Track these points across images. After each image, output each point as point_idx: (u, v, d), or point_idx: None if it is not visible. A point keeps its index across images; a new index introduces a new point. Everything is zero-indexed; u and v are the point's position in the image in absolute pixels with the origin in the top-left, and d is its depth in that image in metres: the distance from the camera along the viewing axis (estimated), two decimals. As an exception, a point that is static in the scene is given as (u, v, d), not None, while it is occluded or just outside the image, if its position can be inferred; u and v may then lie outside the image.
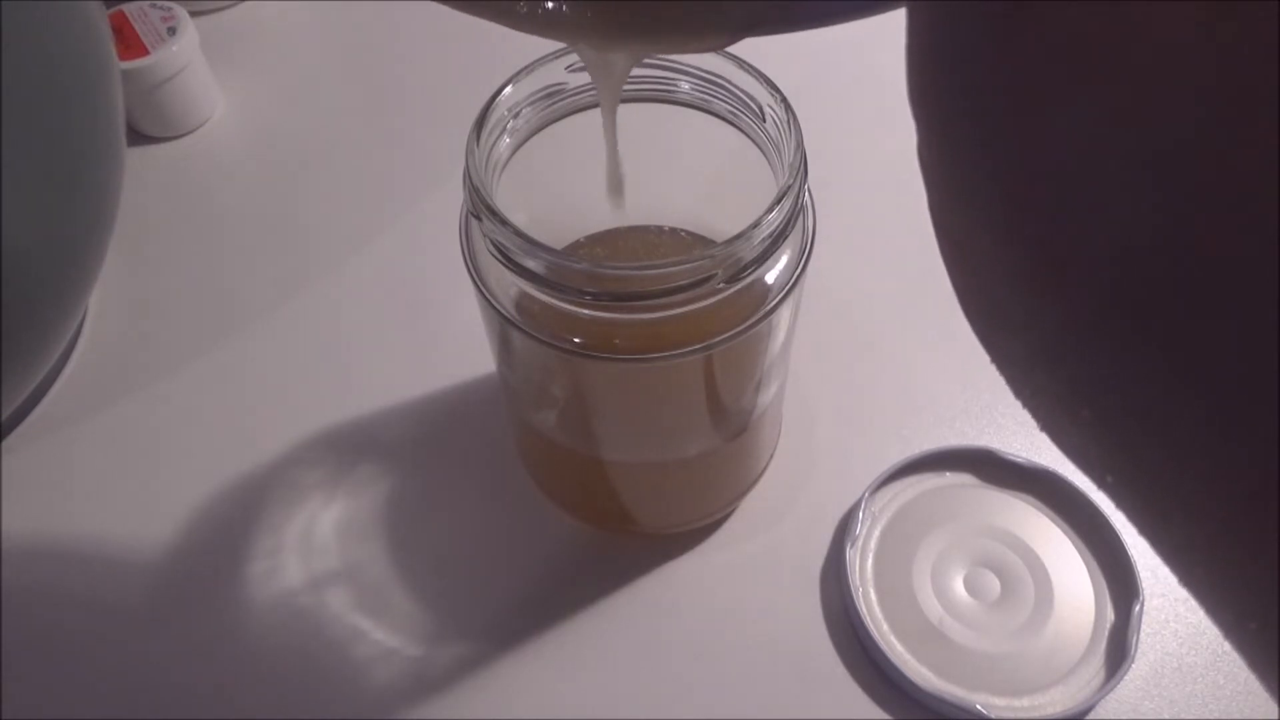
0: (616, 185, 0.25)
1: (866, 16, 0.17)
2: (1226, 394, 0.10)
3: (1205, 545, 0.11)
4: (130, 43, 0.44)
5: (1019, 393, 0.12)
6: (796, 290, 0.25)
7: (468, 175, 0.24)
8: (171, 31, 0.45)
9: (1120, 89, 0.09)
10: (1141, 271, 0.10)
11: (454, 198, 0.25)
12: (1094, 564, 0.32)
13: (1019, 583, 0.32)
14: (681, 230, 0.32)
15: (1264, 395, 0.09)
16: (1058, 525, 0.33)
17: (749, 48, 0.20)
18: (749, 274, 0.23)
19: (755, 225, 0.23)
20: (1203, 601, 0.11)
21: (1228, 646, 0.11)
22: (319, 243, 0.43)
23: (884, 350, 0.38)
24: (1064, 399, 0.12)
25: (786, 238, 0.24)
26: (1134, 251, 0.10)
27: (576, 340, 0.24)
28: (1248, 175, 0.09)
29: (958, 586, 0.32)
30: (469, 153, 0.24)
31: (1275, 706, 0.11)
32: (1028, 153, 0.10)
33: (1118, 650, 0.30)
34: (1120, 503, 0.12)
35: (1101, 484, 0.12)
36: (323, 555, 0.34)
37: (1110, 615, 0.31)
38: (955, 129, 0.11)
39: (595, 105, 0.27)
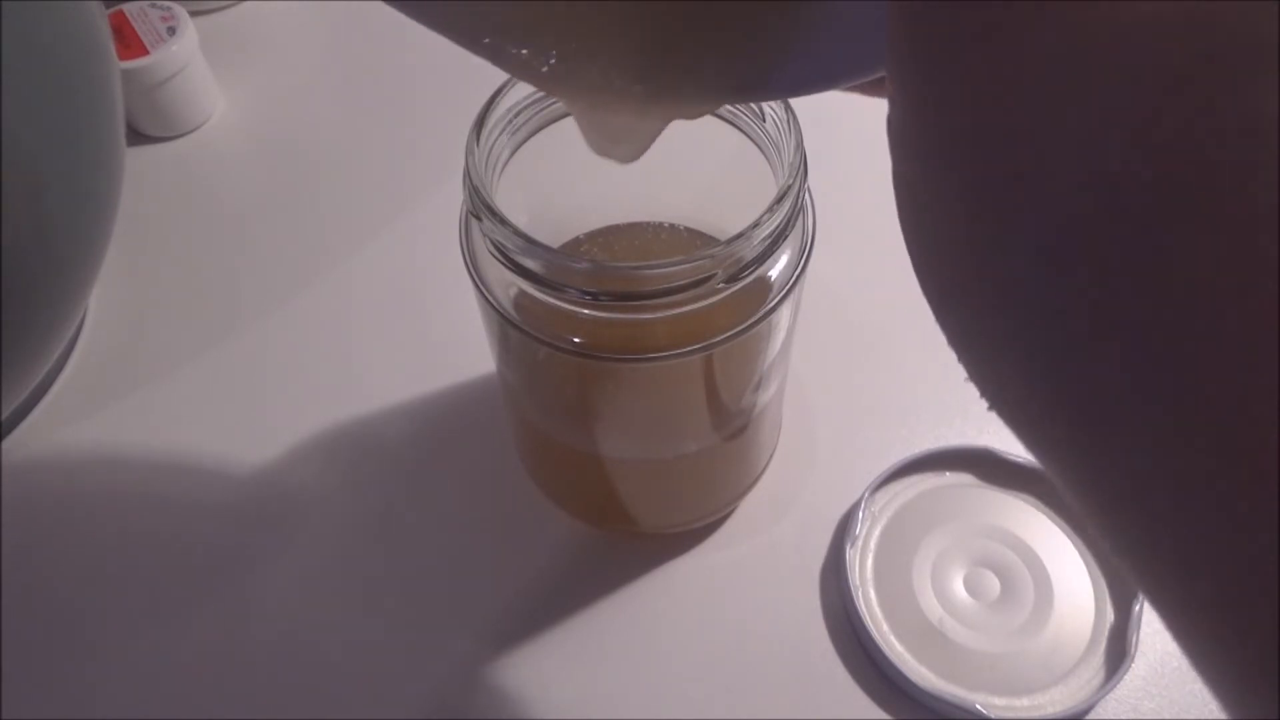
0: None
1: (840, 86, 0.18)
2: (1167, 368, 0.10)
3: (1146, 526, 0.11)
4: (130, 43, 0.44)
5: (973, 373, 0.13)
6: (796, 290, 0.25)
7: (468, 175, 0.24)
8: (171, 31, 0.45)
9: (1095, 10, 0.09)
10: (1095, 200, 0.10)
11: (454, 198, 0.25)
12: (1094, 564, 0.32)
13: (1019, 583, 0.32)
14: (681, 227, 0.32)
15: (1206, 352, 0.09)
16: (1058, 525, 0.33)
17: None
18: (749, 274, 0.23)
19: (755, 225, 0.23)
20: (1140, 580, 0.11)
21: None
22: (319, 243, 0.43)
23: (884, 350, 0.38)
24: (1014, 369, 0.12)
25: (786, 238, 0.24)
26: (1089, 179, 0.10)
27: (576, 340, 0.24)
28: (1221, 109, 0.09)
29: (958, 586, 0.32)
30: (469, 153, 0.24)
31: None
32: (997, 80, 0.10)
33: (1118, 650, 0.30)
34: (1068, 487, 0.12)
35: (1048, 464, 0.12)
36: (322, 555, 0.34)
37: (1110, 615, 0.31)
38: (929, 74, 0.11)
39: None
